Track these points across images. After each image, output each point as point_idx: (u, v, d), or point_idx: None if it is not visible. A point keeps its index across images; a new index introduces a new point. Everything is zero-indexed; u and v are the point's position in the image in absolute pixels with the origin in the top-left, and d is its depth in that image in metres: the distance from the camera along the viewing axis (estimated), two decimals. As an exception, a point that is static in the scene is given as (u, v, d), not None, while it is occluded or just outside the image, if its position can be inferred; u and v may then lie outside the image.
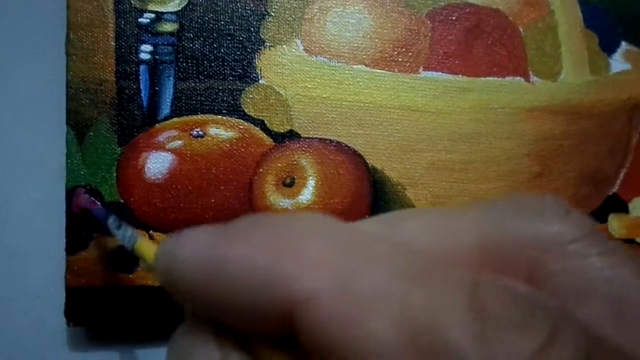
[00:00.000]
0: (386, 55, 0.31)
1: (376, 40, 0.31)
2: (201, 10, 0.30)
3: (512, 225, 0.16)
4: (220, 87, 0.29)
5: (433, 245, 0.16)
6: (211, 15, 0.30)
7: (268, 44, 0.30)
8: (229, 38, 0.30)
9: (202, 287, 0.15)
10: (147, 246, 0.21)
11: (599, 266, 0.15)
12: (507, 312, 0.13)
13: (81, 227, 0.27)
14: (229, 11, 0.30)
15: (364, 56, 0.31)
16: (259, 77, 0.30)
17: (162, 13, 0.29)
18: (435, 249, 0.16)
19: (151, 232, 0.28)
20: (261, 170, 0.29)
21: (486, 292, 0.13)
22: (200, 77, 0.29)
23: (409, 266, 0.14)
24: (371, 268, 0.14)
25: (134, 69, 0.29)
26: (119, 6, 0.29)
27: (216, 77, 0.29)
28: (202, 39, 0.30)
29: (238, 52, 0.30)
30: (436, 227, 0.16)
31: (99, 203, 0.28)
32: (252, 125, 0.29)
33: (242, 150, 0.29)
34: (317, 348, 0.14)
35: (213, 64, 0.29)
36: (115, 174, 0.28)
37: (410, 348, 0.13)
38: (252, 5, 0.30)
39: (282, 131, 0.30)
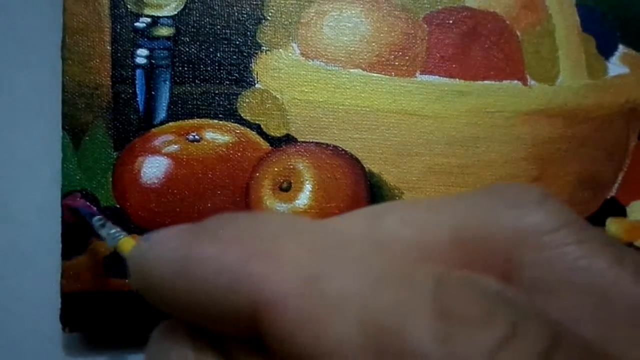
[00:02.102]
0: (383, 59, 0.31)
1: (373, 44, 0.31)
2: (197, 15, 0.30)
3: (489, 216, 0.15)
4: (217, 92, 0.29)
5: (411, 241, 0.15)
6: (207, 19, 0.30)
7: (264, 48, 0.30)
8: (225, 42, 0.30)
9: (170, 288, 0.15)
10: (128, 245, 0.21)
11: (575, 256, 0.14)
12: (468, 309, 0.13)
13: (77, 232, 0.27)
14: (225, 15, 0.30)
15: (361, 60, 0.31)
16: (256, 81, 0.30)
17: (158, 17, 0.29)
18: (412, 243, 0.15)
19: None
20: (258, 174, 0.29)
21: (451, 288, 0.13)
22: (197, 81, 0.29)
23: (377, 267, 0.14)
24: (339, 269, 0.14)
25: (130, 73, 0.29)
26: (115, 10, 0.29)
27: (212, 82, 0.29)
28: (198, 43, 0.29)
29: (234, 56, 0.30)
30: (415, 221, 0.16)
31: (90, 205, 0.27)
32: (248, 129, 0.29)
33: (239, 154, 0.29)
34: (282, 351, 0.14)
35: (209, 68, 0.29)
36: (111, 179, 0.28)
37: (371, 351, 0.13)
38: (248, 9, 0.30)
39: (278, 135, 0.30)
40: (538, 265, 0.15)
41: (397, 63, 0.31)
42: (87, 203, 0.27)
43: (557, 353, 0.12)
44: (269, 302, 0.14)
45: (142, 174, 0.28)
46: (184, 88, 0.29)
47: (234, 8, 0.30)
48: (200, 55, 0.29)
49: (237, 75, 0.30)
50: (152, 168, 0.28)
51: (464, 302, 0.13)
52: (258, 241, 0.15)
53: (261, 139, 0.29)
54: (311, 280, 0.14)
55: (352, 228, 0.16)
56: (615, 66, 0.33)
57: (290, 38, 0.30)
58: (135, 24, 0.29)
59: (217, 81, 0.29)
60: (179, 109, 0.29)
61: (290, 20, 0.30)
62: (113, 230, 0.23)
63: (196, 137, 0.29)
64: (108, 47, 0.29)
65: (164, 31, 0.29)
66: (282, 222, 0.16)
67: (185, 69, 0.29)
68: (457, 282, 0.13)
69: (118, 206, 0.28)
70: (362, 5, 0.31)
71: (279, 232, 0.15)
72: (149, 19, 0.29)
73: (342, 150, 0.30)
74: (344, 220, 0.16)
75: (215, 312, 0.15)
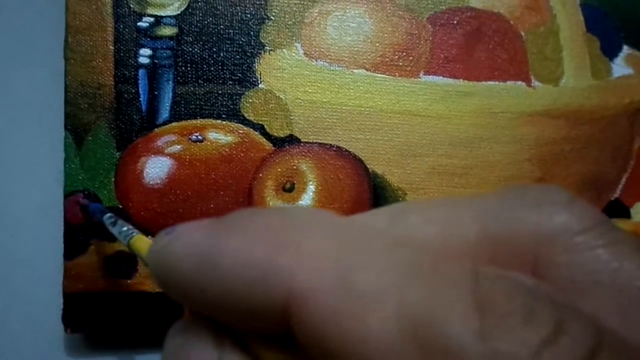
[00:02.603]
0: (387, 59, 0.31)
1: (377, 44, 0.31)
2: (200, 14, 0.29)
3: (516, 216, 0.15)
4: (220, 92, 0.29)
5: (435, 239, 0.15)
6: (211, 19, 0.30)
7: (268, 48, 0.30)
8: (229, 42, 0.30)
9: (195, 282, 0.15)
10: (142, 242, 0.21)
11: (605, 258, 0.14)
12: (509, 305, 0.12)
13: (79, 233, 0.27)
14: (229, 15, 0.30)
15: (365, 60, 0.30)
16: (259, 82, 0.30)
17: (161, 17, 0.29)
18: (438, 242, 0.15)
19: (149, 237, 0.28)
20: (261, 175, 0.29)
21: (488, 284, 0.13)
22: (200, 81, 0.29)
23: (409, 260, 0.14)
24: (370, 262, 0.14)
25: (132, 73, 0.29)
26: (118, 10, 0.29)
27: (215, 82, 0.29)
28: (201, 43, 0.29)
29: (238, 56, 0.30)
30: (439, 220, 0.15)
31: (87, 200, 0.27)
32: (251, 129, 0.29)
33: (242, 155, 0.29)
34: (314, 346, 0.13)
35: (212, 68, 0.29)
36: (113, 179, 0.28)
37: (411, 344, 0.12)
38: (252, 9, 0.30)
39: (281, 136, 0.30)
40: (567, 267, 0.14)
41: (400, 63, 0.31)
42: (89, 202, 0.27)
43: (603, 352, 0.12)
44: (301, 295, 0.13)
45: (144, 174, 0.28)
46: (187, 88, 0.29)
47: (238, 8, 0.30)
48: (204, 55, 0.29)
49: (240, 75, 0.29)
50: (155, 168, 0.28)
51: (505, 297, 0.13)
52: (286, 234, 0.14)
53: (264, 139, 0.29)
54: (343, 273, 0.13)
55: (376, 224, 0.16)
56: (620, 67, 0.33)
57: (294, 38, 0.30)
58: (138, 24, 0.29)
59: (220, 81, 0.29)
60: (182, 109, 0.29)
61: (293, 20, 0.30)
62: (125, 228, 0.23)
63: (199, 137, 0.29)
64: (111, 47, 0.29)
65: (167, 31, 0.29)
66: (309, 215, 0.15)
67: (188, 68, 0.29)
68: (494, 277, 0.13)
69: (120, 206, 0.28)
70: (365, 6, 0.31)
71: (307, 225, 0.15)
72: (151, 19, 0.29)
73: (346, 150, 0.30)
74: (367, 217, 0.16)
75: (242, 306, 0.14)
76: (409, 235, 0.15)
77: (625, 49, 0.33)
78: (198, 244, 0.15)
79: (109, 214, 0.25)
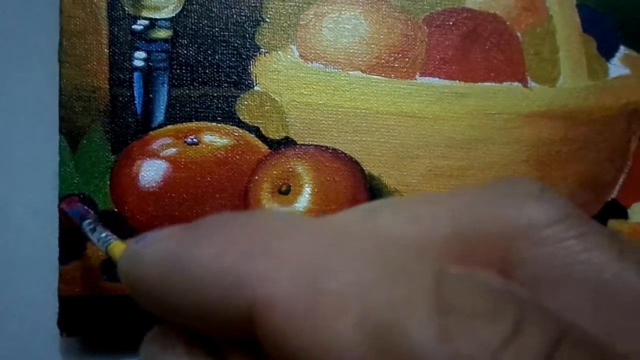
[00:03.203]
0: (382, 61, 0.31)
1: (372, 46, 0.31)
2: (195, 17, 0.29)
3: (485, 211, 0.15)
4: (215, 94, 0.29)
5: (407, 236, 0.15)
6: (206, 21, 0.29)
7: (263, 50, 0.30)
8: (224, 44, 0.30)
9: (164, 289, 0.15)
10: (119, 248, 0.21)
11: (575, 250, 0.14)
12: (471, 304, 0.12)
13: (74, 237, 0.27)
14: (224, 17, 0.30)
15: (360, 62, 0.30)
16: (254, 84, 0.29)
17: (156, 19, 0.29)
18: (409, 239, 0.15)
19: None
20: (256, 177, 0.29)
21: (451, 284, 0.13)
22: (195, 84, 0.29)
23: (374, 263, 0.13)
24: (336, 268, 0.13)
25: (127, 76, 0.29)
26: (113, 13, 0.29)
27: (211, 84, 0.29)
28: (196, 45, 0.29)
29: (233, 59, 0.29)
30: (412, 217, 0.15)
31: (85, 207, 0.27)
32: (247, 132, 0.29)
33: (237, 157, 0.29)
34: (277, 354, 0.13)
35: (207, 71, 0.29)
36: (108, 182, 0.28)
37: (373, 350, 0.12)
38: (247, 11, 0.30)
39: (277, 138, 0.29)
40: (538, 260, 0.14)
41: (396, 65, 0.31)
42: (81, 206, 0.27)
43: (564, 349, 0.12)
44: (264, 302, 0.13)
45: (140, 178, 0.28)
46: (182, 91, 0.29)
47: (233, 10, 0.30)
48: (199, 58, 0.29)
49: (235, 77, 0.29)
50: (150, 171, 0.28)
51: (466, 297, 0.12)
52: (254, 240, 0.14)
53: (260, 142, 0.29)
54: (309, 278, 0.13)
55: (347, 225, 0.15)
56: (616, 67, 0.33)
57: (289, 40, 0.30)
58: (133, 27, 0.29)
59: (216, 84, 0.29)
60: (177, 111, 0.29)
61: (289, 22, 0.30)
62: (104, 234, 0.23)
63: (194, 140, 0.29)
64: (105, 50, 0.28)
65: (162, 33, 0.29)
66: (278, 220, 0.15)
67: (184, 71, 0.29)
68: (458, 277, 0.13)
69: (116, 210, 0.28)
70: (361, 7, 0.31)
71: (275, 231, 0.14)
72: (146, 22, 0.29)
73: (342, 152, 0.30)
74: (339, 218, 0.16)
75: (209, 314, 0.14)
76: (380, 234, 0.15)
77: (622, 49, 0.33)
78: (167, 251, 0.15)
79: (88, 220, 0.25)
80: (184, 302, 0.14)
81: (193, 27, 0.29)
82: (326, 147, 0.30)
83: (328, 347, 0.12)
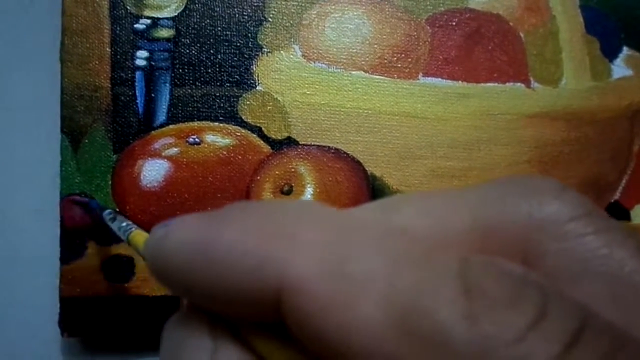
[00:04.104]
0: (385, 61, 0.30)
1: (375, 46, 0.30)
2: (198, 16, 0.29)
3: (507, 205, 0.15)
4: (217, 94, 0.29)
5: (427, 229, 0.15)
6: (208, 20, 0.29)
7: (266, 49, 0.30)
8: (226, 44, 0.29)
9: (190, 273, 0.15)
10: (141, 236, 0.21)
11: (595, 245, 0.14)
12: (496, 289, 0.13)
13: (76, 236, 0.27)
14: (226, 17, 0.30)
15: (363, 62, 0.30)
16: (257, 84, 0.29)
17: (158, 19, 0.29)
18: (430, 233, 0.15)
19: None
20: (258, 177, 0.29)
21: (476, 269, 0.13)
22: (197, 83, 0.29)
23: (399, 248, 0.14)
24: (361, 251, 0.14)
25: (129, 75, 0.28)
26: (115, 12, 0.29)
27: (213, 84, 0.29)
28: (198, 44, 0.29)
29: (235, 58, 0.29)
30: (431, 211, 0.15)
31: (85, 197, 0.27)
32: (249, 132, 0.29)
33: (239, 157, 0.29)
34: (305, 334, 0.14)
35: (210, 70, 0.29)
36: (110, 182, 0.28)
37: (398, 331, 0.12)
38: (249, 10, 0.30)
39: (279, 138, 0.29)
40: (557, 255, 0.14)
41: (399, 65, 0.31)
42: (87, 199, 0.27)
43: (587, 334, 0.12)
44: (293, 285, 0.13)
45: (141, 177, 0.28)
46: (184, 90, 0.29)
47: (235, 9, 0.30)
48: (201, 57, 0.29)
49: (238, 77, 0.29)
50: (152, 171, 0.28)
51: (491, 282, 0.13)
52: (280, 225, 0.14)
53: (262, 142, 0.29)
54: (335, 263, 0.13)
55: (367, 217, 0.16)
56: (620, 68, 0.33)
57: (292, 40, 0.30)
58: (135, 26, 0.29)
59: (218, 83, 0.29)
60: (179, 111, 0.29)
61: (291, 22, 0.30)
62: (125, 224, 0.23)
63: (196, 139, 0.29)
64: (107, 49, 0.28)
65: (164, 33, 0.29)
66: (303, 206, 0.15)
67: (186, 71, 0.29)
68: (482, 263, 0.13)
69: (117, 209, 0.28)
70: (364, 7, 0.31)
71: (301, 216, 0.15)
72: (148, 21, 0.29)
73: (344, 153, 0.30)
74: (360, 210, 0.16)
75: (236, 297, 0.14)
76: (401, 226, 0.15)
77: (625, 50, 0.33)
78: (192, 236, 0.15)
79: (108, 210, 0.25)
80: (209, 285, 0.15)
81: (195, 26, 0.29)
82: (328, 147, 0.30)
83: (354, 327, 0.13)
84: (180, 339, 0.16)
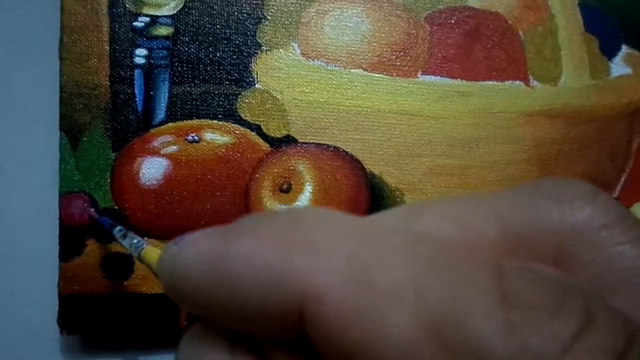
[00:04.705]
0: (384, 59, 0.30)
1: (374, 44, 0.30)
2: (197, 14, 0.29)
3: (536, 211, 0.14)
4: (216, 92, 0.29)
5: (453, 236, 0.14)
6: (207, 18, 0.29)
7: (264, 47, 0.30)
8: (225, 42, 0.29)
9: (207, 290, 0.14)
10: (153, 253, 0.21)
11: (632, 255, 0.14)
12: (536, 297, 0.12)
13: (75, 234, 0.27)
14: (225, 15, 0.30)
15: (362, 60, 0.30)
16: (255, 82, 0.29)
17: (157, 17, 0.29)
18: (456, 239, 0.14)
19: (145, 238, 0.28)
20: (257, 175, 0.29)
21: (512, 276, 0.12)
22: (196, 81, 0.29)
23: (428, 255, 0.13)
24: (388, 259, 0.13)
25: (128, 73, 0.28)
26: (114, 10, 0.29)
27: (212, 82, 0.29)
28: (197, 42, 0.29)
29: (234, 56, 0.29)
30: (456, 217, 0.15)
31: (96, 213, 0.27)
32: (248, 130, 0.29)
33: (238, 155, 0.29)
34: (331, 347, 0.13)
35: (209, 68, 0.29)
36: (109, 180, 0.28)
37: (433, 342, 0.12)
38: (248, 8, 0.30)
39: (278, 136, 0.29)
40: (592, 263, 0.14)
41: (398, 63, 0.31)
42: (91, 209, 0.27)
43: (636, 347, 0.11)
44: (317, 295, 0.13)
45: (140, 175, 0.28)
46: (183, 88, 0.29)
47: (234, 7, 0.30)
48: (200, 55, 0.29)
49: (236, 75, 0.29)
50: (151, 169, 0.28)
51: (529, 290, 0.12)
52: (298, 234, 0.14)
53: (261, 140, 0.29)
54: (360, 271, 0.13)
55: (390, 224, 0.15)
56: (618, 66, 0.33)
57: (291, 38, 0.30)
58: (134, 24, 0.29)
59: (217, 81, 0.29)
60: (178, 109, 0.29)
61: (290, 20, 0.30)
62: (135, 240, 0.23)
63: (195, 137, 0.29)
64: (106, 47, 0.28)
65: (163, 31, 0.29)
66: (319, 214, 0.15)
67: (185, 69, 0.29)
68: (518, 270, 0.13)
69: (116, 207, 0.28)
70: (363, 5, 0.31)
71: (319, 224, 0.14)
72: (147, 19, 0.29)
73: (343, 151, 0.30)
74: (381, 216, 0.15)
75: (256, 311, 0.14)
76: (426, 233, 0.14)
77: (624, 48, 0.33)
78: (208, 251, 0.14)
79: (118, 227, 0.25)
80: (227, 301, 0.14)
81: (194, 24, 0.29)
82: (327, 145, 0.30)
83: (384, 340, 0.12)
84: (197, 354, 0.15)
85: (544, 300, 0.12)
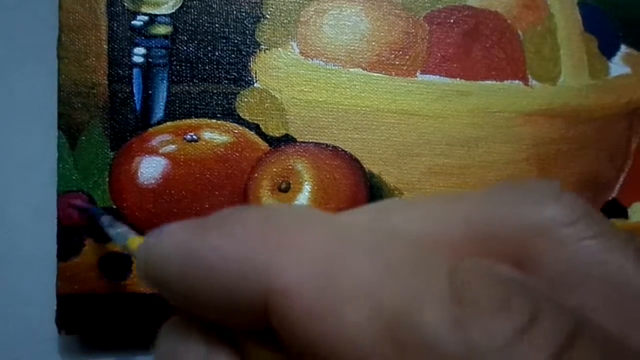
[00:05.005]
0: (383, 58, 0.30)
1: (373, 43, 0.30)
2: (195, 13, 0.29)
3: (500, 210, 0.15)
4: (215, 91, 0.29)
5: (419, 235, 0.15)
6: (205, 17, 0.29)
7: (263, 46, 0.30)
8: (224, 41, 0.29)
9: (180, 279, 0.15)
10: (137, 243, 0.21)
11: (593, 250, 0.14)
12: (486, 294, 0.12)
13: (73, 234, 0.27)
14: (224, 13, 0.29)
15: (361, 59, 0.30)
16: (254, 81, 0.29)
17: (156, 15, 0.29)
18: (422, 238, 0.15)
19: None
20: (256, 175, 0.29)
21: (465, 274, 0.13)
22: (195, 80, 0.29)
23: (390, 255, 0.14)
24: (352, 259, 0.13)
25: (127, 72, 0.28)
26: (112, 8, 0.28)
27: (210, 81, 0.29)
28: (196, 41, 0.29)
29: (233, 55, 0.29)
30: (422, 217, 0.15)
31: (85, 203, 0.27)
32: (247, 129, 0.29)
33: (237, 154, 0.29)
34: (294, 343, 0.13)
35: (207, 67, 0.29)
36: (107, 179, 0.28)
37: (386, 339, 0.12)
38: (247, 7, 0.30)
39: (277, 135, 0.29)
40: (555, 260, 0.14)
41: (397, 62, 0.31)
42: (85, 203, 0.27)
43: (579, 341, 0.12)
44: (281, 291, 0.13)
45: (139, 174, 0.28)
46: (181, 87, 0.29)
47: (233, 6, 0.30)
48: (198, 54, 0.29)
49: (235, 74, 0.29)
50: (149, 168, 0.28)
51: (481, 287, 0.12)
52: (268, 231, 0.14)
53: (260, 139, 0.29)
54: (324, 270, 0.13)
55: (360, 222, 0.16)
56: (617, 66, 0.33)
57: (290, 37, 0.30)
58: (132, 22, 0.29)
59: (215, 80, 0.29)
60: (177, 108, 0.29)
61: (289, 19, 0.30)
62: (120, 230, 0.23)
63: (194, 137, 0.29)
64: (105, 46, 0.28)
65: (162, 29, 0.29)
66: (291, 212, 0.15)
67: (183, 67, 0.29)
68: (473, 268, 0.13)
69: (115, 207, 0.28)
70: (362, 4, 0.31)
71: (290, 222, 0.15)
72: (146, 17, 0.29)
73: (342, 150, 0.30)
74: (351, 216, 0.16)
75: (226, 302, 0.14)
76: (392, 233, 0.15)
77: (623, 48, 0.33)
78: (183, 242, 0.15)
79: (106, 216, 0.25)
80: (199, 291, 0.15)
81: (193, 23, 0.29)
82: (326, 144, 0.30)
83: (340, 335, 0.13)
84: (173, 344, 0.16)
85: (492, 297, 0.12)
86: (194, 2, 0.29)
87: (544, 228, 0.14)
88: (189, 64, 0.29)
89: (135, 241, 0.21)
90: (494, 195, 0.15)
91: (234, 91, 0.29)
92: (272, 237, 0.14)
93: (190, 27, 0.29)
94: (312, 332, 0.13)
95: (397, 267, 0.13)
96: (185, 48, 0.29)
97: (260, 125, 0.29)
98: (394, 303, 0.13)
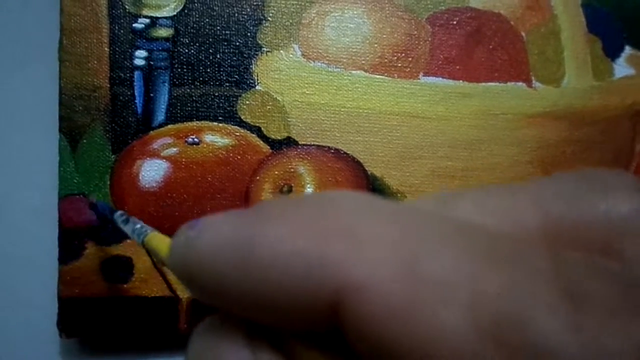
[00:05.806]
0: (385, 60, 0.30)
1: (375, 45, 0.30)
2: (197, 15, 0.29)
3: (581, 202, 0.13)
4: (216, 93, 0.29)
5: (493, 226, 0.13)
6: (207, 20, 0.29)
7: (265, 49, 0.30)
8: (225, 43, 0.29)
9: (229, 279, 0.13)
10: (159, 239, 0.19)
11: None
12: (604, 292, 0.11)
13: (74, 237, 0.27)
14: (225, 16, 0.29)
15: (363, 61, 0.30)
16: (256, 83, 0.29)
17: (157, 18, 0.29)
18: (495, 229, 0.13)
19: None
20: (258, 178, 0.29)
21: (575, 270, 0.11)
22: (196, 83, 0.29)
23: (479, 245, 0.12)
24: (437, 249, 0.12)
25: (128, 75, 0.28)
26: (113, 11, 0.28)
27: (212, 83, 0.29)
28: (197, 44, 0.29)
29: (234, 58, 0.29)
30: (493, 206, 0.14)
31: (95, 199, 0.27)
32: (248, 132, 0.29)
33: (239, 157, 0.29)
34: (367, 345, 0.12)
35: (209, 70, 0.29)
36: (109, 182, 0.28)
37: (490, 341, 0.11)
38: (248, 10, 0.30)
39: (279, 138, 0.29)
40: None
41: (399, 64, 0.30)
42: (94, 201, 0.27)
43: None
44: (358, 287, 0.12)
45: (140, 178, 0.28)
46: (183, 90, 0.29)
47: (234, 9, 0.29)
48: (200, 57, 0.29)
49: (237, 76, 0.29)
50: (151, 171, 0.28)
51: (597, 284, 0.11)
52: (334, 219, 0.12)
53: (261, 142, 0.29)
54: (407, 261, 0.12)
55: (428, 212, 0.14)
56: (622, 67, 0.32)
57: (292, 39, 0.30)
58: (134, 25, 0.29)
59: (217, 83, 0.29)
60: (178, 111, 0.29)
61: (291, 21, 0.30)
62: (138, 225, 0.22)
63: (195, 139, 0.29)
64: (106, 49, 0.28)
65: (163, 32, 0.29)
66: (356, 198, 0.13)
67: (185, 70, 0.29)
68: (579, 262, 0.12)
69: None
70: (364, 6, 0.31)
71: (357, 209, 0.13)
72: (147, 20, 0.29)
73: (344, 153, 0.30)
74: (416, 205, 0.14)
75: (286, 303, 0.13)
76: (469, 222, 0.13)
77: (627, 49, 0.33)
78: (230, 236, 0.13)
79: (120, 212, 0.24)
80: (252, 292, 0.13)
81: (194, 25, 0.29)
82: (328, 147, 0.29)
83: (434, 337, 0.11)
84: (213, 347, 0.14)
85: (613, 296, 0.11)
86: (196, 4, 0.29)
87: (628, 223, 0.13)
88: (190, 67, 0.29)
89: (154, 238, 0.20)
90: (568, 183, 0.14)
91: (236, 94, 0.29)
92: (337, 228, 0.12)
93: (191, 30, 0.29)
94: (393, 331, 0.12)
95: (491, 257, 0.12)
96: (186, 51, 0.29)
97: (262, 128, 0.29)
98: (494, 301, 0.11)
